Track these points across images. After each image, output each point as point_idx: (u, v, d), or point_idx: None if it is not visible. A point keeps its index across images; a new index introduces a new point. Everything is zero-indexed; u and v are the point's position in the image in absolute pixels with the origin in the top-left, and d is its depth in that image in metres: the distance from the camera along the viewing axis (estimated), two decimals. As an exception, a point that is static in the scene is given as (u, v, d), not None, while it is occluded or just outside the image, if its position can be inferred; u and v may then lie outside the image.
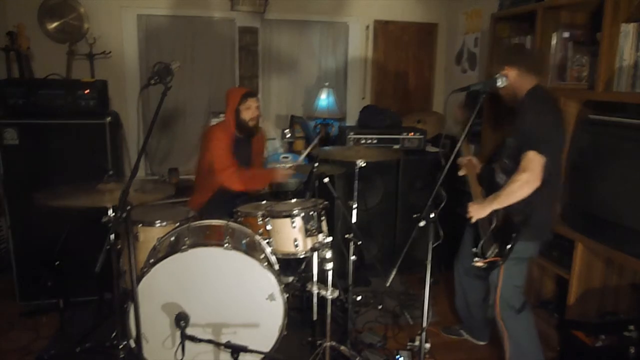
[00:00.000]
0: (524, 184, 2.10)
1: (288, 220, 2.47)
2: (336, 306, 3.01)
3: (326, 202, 2.62)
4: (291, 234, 2.48)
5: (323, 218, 2.57)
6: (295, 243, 2.47)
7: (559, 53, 2.74)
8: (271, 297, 2.23)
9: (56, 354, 2.56)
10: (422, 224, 1.82)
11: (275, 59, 4.41)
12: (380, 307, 3.22)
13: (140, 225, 2.47)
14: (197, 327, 2.13)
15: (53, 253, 2.90)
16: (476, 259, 2.26)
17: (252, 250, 2.33)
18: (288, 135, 4.04)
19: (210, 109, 4.23)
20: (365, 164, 2.63)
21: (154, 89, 2.01)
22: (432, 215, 1.82)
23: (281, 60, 4.42)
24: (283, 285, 2.27)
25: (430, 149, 3.84)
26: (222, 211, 2.80)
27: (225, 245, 2.19)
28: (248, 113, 3.02)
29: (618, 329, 2.19)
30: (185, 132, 4.31)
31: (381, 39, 4.55)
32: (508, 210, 2.21)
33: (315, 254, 2.36)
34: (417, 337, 1.94)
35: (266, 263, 2.27)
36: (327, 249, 2.20)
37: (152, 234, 2.45)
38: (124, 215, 1.81)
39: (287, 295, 2.31)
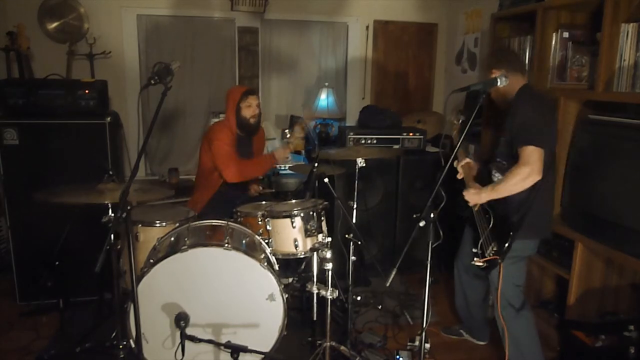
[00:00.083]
0: (525, 178, 2.12)
1: (288, 220, 2.47)
2: (336, 306, 3.01)
3: (326, 202, 2.62)
4: (291, 234, 2.48)
5: (323, 218, 2.57)
6: (295, 243, 2.47)
7: (559, 53, 2.74)
8: (271, 297, 2.23)
9: (56, 354, 2.56)
10: (422, 224, 1.82)
11: (275, 59, 4.41)
12: (380, 307, 3.22)
13: (140, 225, 2.47)
14: (197, 327, 2.13)
15: (53, 253, 2.90)
16: (476, 258, 2.26)
17: (252, 250, 2.33)
18: (288, 136, 4.03)
19: (210, 109, 4.23)
20: (365, 164, 2.63)
21: (154, 89, 2.01)
22: (432, 215, 1.82)
23: (281, 60, 4.42)
24: (283, 286, 2.27)
25: (430, 149, 3.84)
26: (223, 211, 2.80)
27: (226, 245, 2.19)
28: (249, 111, 3.03)
29: (618, 329, 2.18)
30: (185, 132, 4.32)
31: (381, 39, 4.55)
32: (505, 209, 2.22)
33: (315, 254, 2.36)
34: (417, 337, 1.94)
35: (266, 263, 2.27)
36: (327, 249, 2.21)
37: (152, 234, 2.45)
38: (124, 215, 1.81)
39: (287, 295, 2.31)
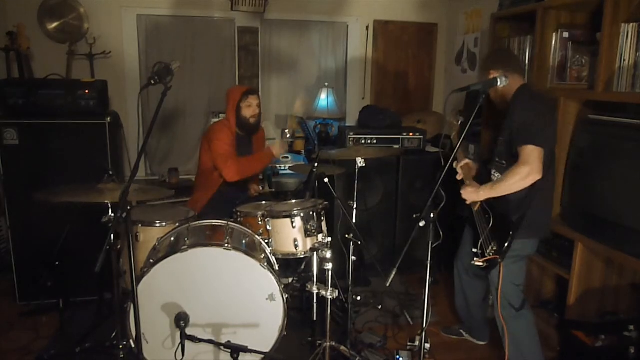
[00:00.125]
0: (525, 177, 2.11)
1: (288, 220, 2.47)
2: (336, 306, 3.01)
3: (326, 202, 2.62)
4: (291, 234, 2.48)
5: (323, 218, 2.58)
6: (295, 243, 2.48)
7: (559, 53, 2.74)
8: (271, 298, 2.24)
9: (56, 354, 2.56)
10: (422, 224, 1.82)
11: (275, 59, 4.41)
12: (380, 307, 3.22)
13: (140, 225, 2.47)
14: (197, 327, 2.13)
15: (53, 253, 2.90)
16: (475, 258, 2.26)
17: (252, 250, 2.33)
18: (288, 136, 4.03)
19: (210, 109, 4.23)
20: (365, 164, 2.63)
21: (154, 89, 2.01)
22: (432, 215, 1.82)
23: (281, 60, 4.42)
24: (283, 286, 2.27)
25: (430, 149, 3.84)
26: (223, 211, 2.81)
27: (226, 245, 2.19)
28: (249, 111, 3.03)
29: (618, 329, 2.19)
30: (185, 132, 4.32)
31: (381, 39, 4.55)
32: (505, 208, 2.22)
33: (315, 254, 2.36)
34: (417, 337, 1.94)
35: (266, 263, 2.27)
36: (327, 249, 2.21)
37: (152, 234, 2.45)
38: (124, 215, 1.81)
39: (287, 295, 2.31)
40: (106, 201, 2.23)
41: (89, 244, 2.38)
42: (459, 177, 2.45)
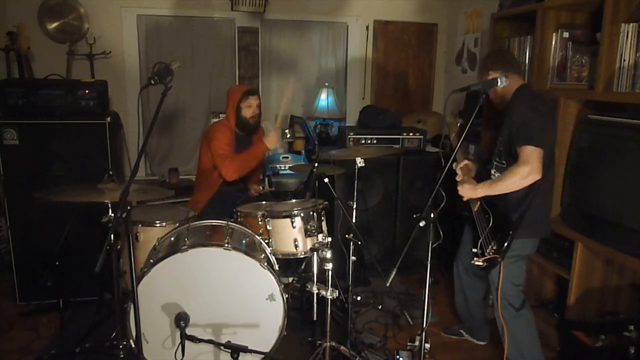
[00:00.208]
0: (525, 177, 2.11)
1: (288, 220, 2.47)
2: (336, 306, 3.01)
3: (326, 202, 2.62)
4: (291, 234, 2.48)
5: (323, 218, 2.57)
6: (295, 243, 2.48)
7: (559, 53, 2.74)
8: (271, 298, 2.23)
9: (56, 354, 2.56)
10: (422, 224, 1.82)
11: (275, 59, 4.41)
12: (380, 307, 3.22)
13: (140, 225, 2.47)
14: (197, 327, 2.13)
15: (53, 253, 2.90)
16: (475, 258, 2.26)
17: (252, 250, 2.33)
18: (288, 136, 4.04)
19: (210, 109, 4.24)
20: (365, 164, 2.63)
21: (154, 89, 2.01)
22: (432, 215, 1.82)
23: (281, 60, 4.42)
24: (283, 286, 2.27)
25: (430, 149, 3.84)
26: (223, 211, 2.81)
27: (226, 245, 2.19)
28: (249, 111, 3.03)
29: (618, 329, 2.19)
30: (185, 132, 4.32)
31: (381, 39, 4.55)
32: (504, 208, 2.22)
33: (315, 254, 2.36)
34: (417, 337, 1.94)
35: (266, 263, 2.27)
36: (327, 249, 2.21)
37: (152, 234, 2.45)
38: (124, 215, 1.81)
39: (287, 295, 2.31)
40: (106, 201, 2.23)
41: (89, 244, 2.38)
42: (458, 179, 2.45)
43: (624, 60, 2.28)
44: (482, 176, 2.48)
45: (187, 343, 1.90)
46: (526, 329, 2.35)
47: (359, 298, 2.68)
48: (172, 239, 2.38)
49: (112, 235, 2.00)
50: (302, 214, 2.47)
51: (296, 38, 4.41)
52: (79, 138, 3.04)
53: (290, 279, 3.17)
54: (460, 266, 2.72)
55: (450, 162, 1.97)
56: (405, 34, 4.59)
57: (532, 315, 2.39)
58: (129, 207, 1.81)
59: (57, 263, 2.92)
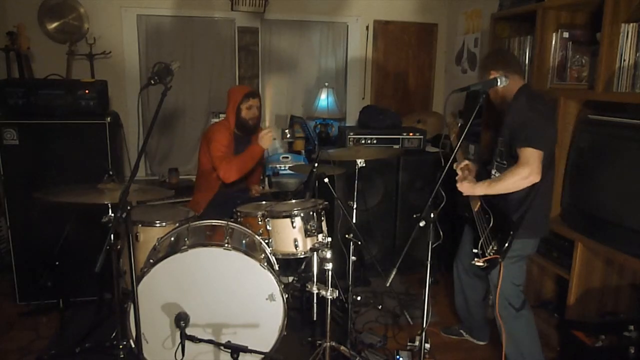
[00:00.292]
0: (523, 178, 2.10)
1: (288, 220, 2.47)
2: (336, 306, 3.01)
3: (326, 202, 2.62)
4: (291, 234, 2.48)
5: (323, 218, 2.57)
6: (295, 243, 2.47)
7: (559, 53, 2.74)
8: (271, 297, 2.23)
9: (56, 354, 2.55)
10: (422, 224, 1.82)
11: (275, 59, 4.41)
12: (380, 307, 3.22)
13: (140, 225, 2.47)
14: (197, 327, 2.13)
15: (53, 253, 2.90)
16: (476, 258, 2.26)
17: (252, 250, 2.33)
18: (288, 136, 4.03)
19: (210, 109, 4.23)
20: (365, 164, 2.63)
21: (154, 89, 2.01)
22: (432, 215, 1.82)
23: (281, 60, 4.42)
24: (283, 286, 2.27)
25: (430, 149, 3.84)
26: (224, 212, 2.80)
27: (226, 245, 2.19)
28: (249, 113, 3.03)
29: (618, 329, 2.19)
30: (185, 132, 4.32)
31: (381, 39, 4.55)
32: (505, 208, 2.22)
33: (315, 254, 2.36)
34: (417, 337, 1.94)
35: (266, 263, 2.27)
36: (327, 249, 2.20)
37: (152, 234, 2.45)
38: (124, 215, 1.81)
39: (287, 295, 2.31)
40: (106, 202, 2.23)
41: (89, 244, 2.38)
42: (458, 179, 2.45)
43: (624, 60, 2.28)
44: (482, 176, 2.47)
45: (187, 343, 1.90)
46: (526, 329, 2.35)
47: (359, 298, 2.68)
48: (172, 239, 2.38)
49: (112, 235, 1.99)
50: (302, 214, 2.47)
51: (296, 38, 4.41)
52: (79, 138, 3.04)
53: (290, 279, 3.17)
54: (460, 266, 2.72)
55: (450, 162, 1.96)
56: (405, 34, 4.59)
57: (532, 316, 2.39)
58: (129, 207, 1.81)
59: (57, 263, 2.92)
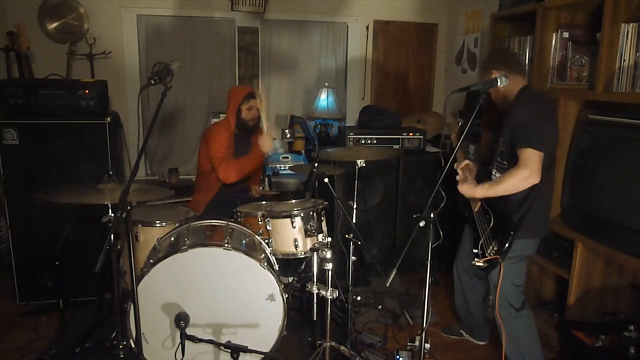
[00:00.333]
0: (523, 180, 2.10)
1: (288, 220, 2.47)
2: (336, 306, 3.01)
3: (326, 202, 2.62)
4: (291, 234, 2.48)
5: (323, 218, 2.57)
6: (295, 243, 2.47)
7: (559, 53, 2.74)
8: (271, 297, 2.23)
9: (56, 354, 2.55)
10: (422, 224, 1.82)
11: (275, 59, 4.41)
12: (380, 307, 3.22)
13: (140, 225, 2.47)
14: (197, 327, 2.13)
15: (53, 253, 2.90)
16: (476, 258, 2.26)
17: (252, 250, 2.33)
18: (288, 136, 4.04)
19: (210, 109, 4.23)
20: (365, 164, 2.63)
21: (154, 89, 2.01)
22: (432, 215, 1.82)
23: (281, 60, 4.42)
24: (283, 286, 2.27)
25: (430, 149, 3.84)
26: (224, 212, 2.80)
27: (226, 245, 2.19)
28: (249, 113, 3.03)
29: (618, 329, 2.19)
30: (185, 132, 4.32)
31: (381, 39, 4.55)
32: (505, 208, 2.22)
33: (315, 254, 2.36)
34: (417, 337, 1.94)
35: (266, 263, 2.27)
36: (327, 249, 2.20)
37: (152, 234, 2.45)
38: (124, 215, 1.81)
39: (287, 295, 2.31)
40: (106, 202, 2.23)
41: (89, 244, 2.38)
42: (458, 179, 2.45)
43: (624, 60, 2.28)
44: (482, 176, 2.47)
45: (187, 343, 1.90)
46: (526, 329, 2.35)
47: (359, 298, 2.68)
48: (172, 239, 2.38)
49: (112, 235, 1.99)
50: (302, 214, 2.47)
51: (296, 38, 4.41)
52: (79, 138, 3.04)
53: (290, 279, 3.16)
54: (460, 266, 2.72)
55: (450, 162, 1.96)
56: (405, 34, 4.59)
57: (532, 316, 2.39)
58: (129, 207, 1.81)
59: (57, 263, 2.92)
